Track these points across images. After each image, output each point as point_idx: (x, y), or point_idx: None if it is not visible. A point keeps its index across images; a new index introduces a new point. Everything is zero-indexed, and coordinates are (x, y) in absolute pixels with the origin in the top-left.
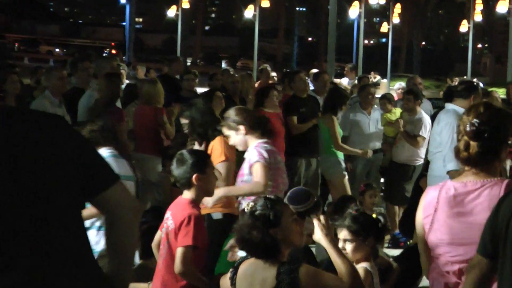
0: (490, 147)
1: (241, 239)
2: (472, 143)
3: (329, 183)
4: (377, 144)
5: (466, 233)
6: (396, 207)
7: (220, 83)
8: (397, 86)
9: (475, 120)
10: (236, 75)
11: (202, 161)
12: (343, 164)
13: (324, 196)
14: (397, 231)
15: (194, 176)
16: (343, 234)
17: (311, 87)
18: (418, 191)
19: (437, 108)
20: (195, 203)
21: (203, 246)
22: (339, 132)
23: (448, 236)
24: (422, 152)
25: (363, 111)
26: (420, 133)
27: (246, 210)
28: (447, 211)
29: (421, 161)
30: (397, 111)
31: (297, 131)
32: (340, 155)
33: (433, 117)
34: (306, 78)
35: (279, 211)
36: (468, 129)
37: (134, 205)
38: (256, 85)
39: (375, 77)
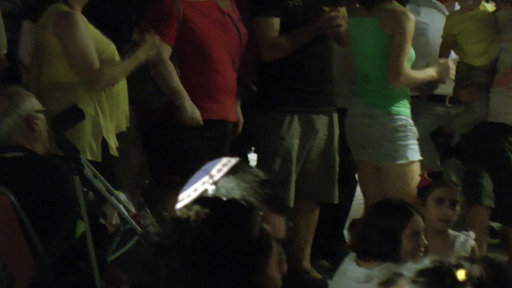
0: None
1: None
2: None
3: (370, 171)
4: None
5: None
6: None
7: None
8: None
9: None
10: None
11: None
12: (415, 132)
13: (348, 198)
14: None
15: None
16: None
17: None
18: None
19: None
20: None
21: None
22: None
23: None
24: None
25: (435, 3)
26: None
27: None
28: None
29: None
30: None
31: (278, 52)
32: (407, 108)
33: None
34: None
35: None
36: None
37: None
38: None
39: None
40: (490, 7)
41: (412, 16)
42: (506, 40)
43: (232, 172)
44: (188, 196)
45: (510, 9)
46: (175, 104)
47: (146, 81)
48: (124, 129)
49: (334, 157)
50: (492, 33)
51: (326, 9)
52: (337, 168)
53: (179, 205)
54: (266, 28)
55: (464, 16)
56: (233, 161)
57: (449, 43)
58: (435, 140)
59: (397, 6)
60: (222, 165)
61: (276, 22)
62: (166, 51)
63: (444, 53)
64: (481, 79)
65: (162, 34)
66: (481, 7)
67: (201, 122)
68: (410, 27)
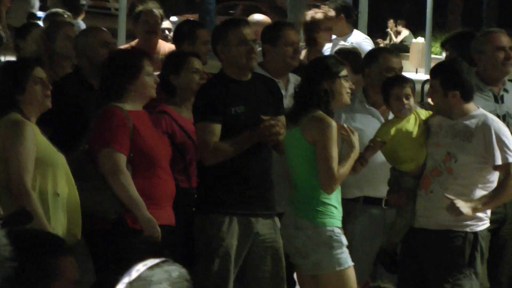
0: None
1: None
2: None
3: (306, 277)
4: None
5: None
6: None
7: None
8: None
9: None
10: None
11: None
12: (341, 241)
13: None
14: None
15: None
16: None
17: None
18: None
19: None
20: None
21: None
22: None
23: None
24: None
25: (370, 109)
26: (503, 160)
27: None
28: None
29: (485, 223)
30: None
31: (219, 157)
32: (332, 218)
33: None
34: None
35: None
36: None
37: None
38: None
39: (397, 33)
40: (425, 112)
41: (332, 122)
42: (431, 145)
43: (151, 268)
44: None
45: (443, 120)
46: (134, 214)
47: (104, 191)
48: (79, 238)
49: (281, 260)
50: (421, 139)
51: (266, 117)
52: (283, 270)
53: None
54: (208, 134)
55: (397, 126)
56: (156, 260)
57: (377, 146)
58: (381, 261)
59: (318, 114)
60: (142, 265)
61: (217, 128)
62: (124, 161)
63: (369, 154)
64: (409, 184)
65: (119, 145)
66: (413, 114)
67: (159, 234)
68: (331, 132)
